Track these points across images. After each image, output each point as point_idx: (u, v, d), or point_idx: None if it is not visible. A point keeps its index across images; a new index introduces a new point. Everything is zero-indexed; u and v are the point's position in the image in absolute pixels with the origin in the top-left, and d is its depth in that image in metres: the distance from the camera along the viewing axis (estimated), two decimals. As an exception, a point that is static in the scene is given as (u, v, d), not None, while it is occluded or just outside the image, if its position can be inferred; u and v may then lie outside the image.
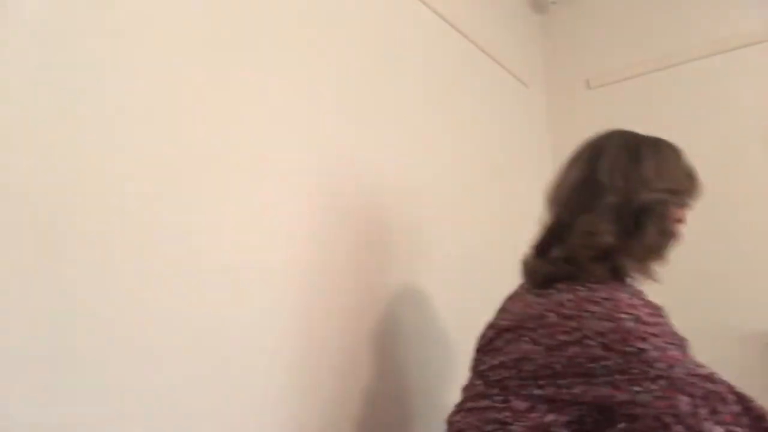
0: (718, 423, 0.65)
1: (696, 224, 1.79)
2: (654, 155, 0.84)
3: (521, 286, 0.91)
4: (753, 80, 1.87)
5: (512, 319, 0.82)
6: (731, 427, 0.65)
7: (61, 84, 0.74)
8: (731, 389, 0.68)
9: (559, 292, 0.77)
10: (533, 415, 0.75)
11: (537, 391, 0.75)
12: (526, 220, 1.94)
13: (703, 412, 0.65)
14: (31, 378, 0.66)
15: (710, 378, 0.68)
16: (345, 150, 1.20)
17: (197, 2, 0.93)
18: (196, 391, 0.83)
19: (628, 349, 0.68)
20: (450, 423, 0.86)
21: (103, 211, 0.76)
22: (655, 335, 0.69)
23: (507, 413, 0.76)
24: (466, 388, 0.88)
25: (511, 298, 0.91)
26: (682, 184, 0.85)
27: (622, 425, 0.71)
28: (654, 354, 0.67)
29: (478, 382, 0.84)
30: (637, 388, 0.68)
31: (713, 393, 0.66)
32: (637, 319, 0.70)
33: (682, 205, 0.85)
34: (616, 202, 0.80)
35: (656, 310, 0.73)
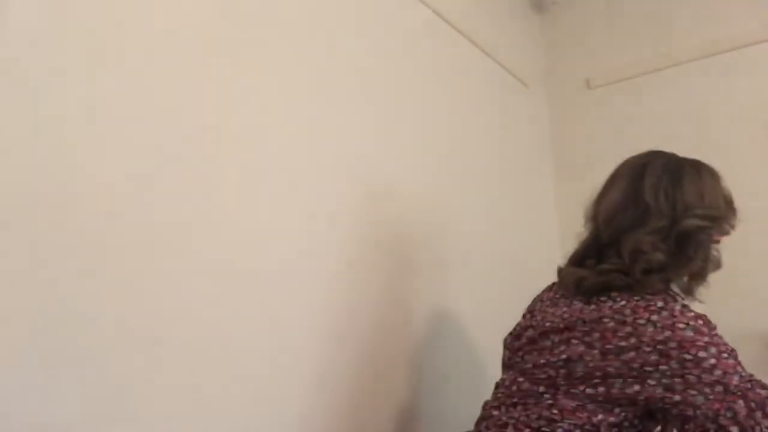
0: None
1: (696, 224, 1.79)
2: (696, 180, 0.87)
3: (555, 292, 0.94)
4: (753, 80, 1.87)
5: (559, 321, 0.85)
6: None
7: (59, 82, 0.74)
8: None
9: (614, 301, 0.81)
10: (582, 414, 0.78)
11: (589, 390, 0.78)
12: (526, 220, 1.95)
13: (759, 414, 0.69)
14: (31, 377, 0.66)
15: (763, 385, 0.73)
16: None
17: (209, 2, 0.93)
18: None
19: (685, 356, 0.72)
20: (488, 417, 0.89)
21: (103, 210, 0.76)
22: (711, 344, 0.73)
23: (555, 411, 0.79)
24: (505, 385, 0.90)
25: (550, 303, 0.93)
26: (722, 211, 0.89)
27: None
28: (711, 362, 0.72)
29: (522, 379, 0.87)
30: (693, 392, 0.72)
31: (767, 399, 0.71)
32: (694, 329, 0.74)
33: (723, 232, 0.89)
34: (662, 225, 0.84)
35: (708, 321, 0.77)
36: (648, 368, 0.74)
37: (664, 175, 0.87)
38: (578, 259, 0.91)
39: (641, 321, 0.76)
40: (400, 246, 1.31)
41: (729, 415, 0.70)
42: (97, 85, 0.78)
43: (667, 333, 0.74)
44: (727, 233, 0.90)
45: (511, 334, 0.99)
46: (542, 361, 0.84)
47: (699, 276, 0.87)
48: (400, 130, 1.38)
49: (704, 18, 1.99)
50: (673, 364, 0.73)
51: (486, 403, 0.94)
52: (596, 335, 0.79)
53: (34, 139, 0.70)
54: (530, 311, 0.97)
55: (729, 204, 0.90)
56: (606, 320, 0.79)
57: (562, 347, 0.82)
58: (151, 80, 0.85)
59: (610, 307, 0.80)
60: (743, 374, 0.73)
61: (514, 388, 0.87)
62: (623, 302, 0.79)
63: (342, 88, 1.21)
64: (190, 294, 0.85)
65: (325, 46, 1.19)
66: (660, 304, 0.77)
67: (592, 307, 0.82)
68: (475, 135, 1.73)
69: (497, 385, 0.94)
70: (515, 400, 0.85)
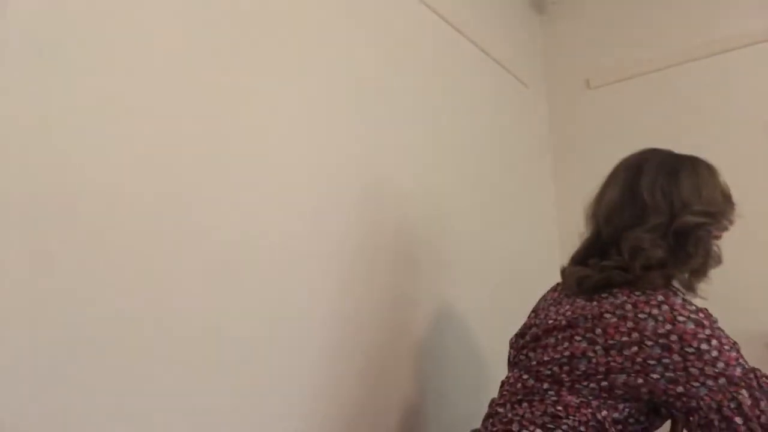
0: None
1: (696, 224, 1.79)
2: (692, 176, 0.88)
3: (559, 292, 0.95)
4: (753, 80, 1.87)
5: (562, 319, 0.86)
6: None
7: (59, 82, 0.74)
8: None
9: (615, 297, 0.82)
10: (586, 410, 0.78)
11: (592, 386, 0.79)
12: (526, 220, 1.95)
13: (763, 404, 0.70)
14: (32, 377, 0.66)
15: (766, 376, 0.74)
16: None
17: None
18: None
19: (688, 349, 0.73)
20: (494, 414, 0.90)
21: (104, 208, 0.76)
22: (712, 336, 0.74)
23: (559, 407, 0.80)
24: (510, 383, 0.91)
25: (553, 302, 0.94)
26: (720, 206, 0.89)
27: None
28: (713, 354, 0.73)
29: (526, 376, 0.87)
30: (696, 384, 0.73)
31: None
32: (695, 322, 0.75)
33: (722, 228, 0.90)
34: (660, 222, 0.85)
35: (709, 314, 0.78)
36: (651, 362, 0.75)
37: (660, 172, 0.88)
38: (580, 258, 0.92)
39: (642, 315, 0.77)
40: (401, 246, 1.31)
41: (733, 405, 0.70)
42: (98, 86, 0.78)
43: (669, 326, 0.75)
44: (726, 229, 0.91)
45: (516, 333, 0.99)
46: (546, 358, 0.85)
47: (700, 272, 0.87)
48: (400, 130, 1.38)
49: (704, 18, 1.99)
50: (676, 357, 0.73)
51: (492, 401, 0.95)
52: (598, 331, 0.79)
53: (34, 139, 0.70)
54: (535, 310, 0.99)
55: (727, 199, 0.90)
56: (608, 316, 0.80)
57: (566, 344, 0.83)
58: (152, 80, 0.85)
59: (611, 303, 0.81)
60: (746, 366, 0.73)
61: (519, 385, 0.88)
62: (624, 298, 0.80)
63: (341, 88, 1.21)
64: (193, 291, 0.85)
65: (325, 46, 1.19)
66: (660, 298, 0.78)
67: (594, 303, 0.83)
68: (475, 135, 1.73)
69: (503, 383, 0.95)
70: (520, 397, 0.86)
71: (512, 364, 0.96)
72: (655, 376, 0.75)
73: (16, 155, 0.68)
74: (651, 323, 0.76)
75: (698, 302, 0.83)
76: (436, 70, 1.59)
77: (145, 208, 0.81)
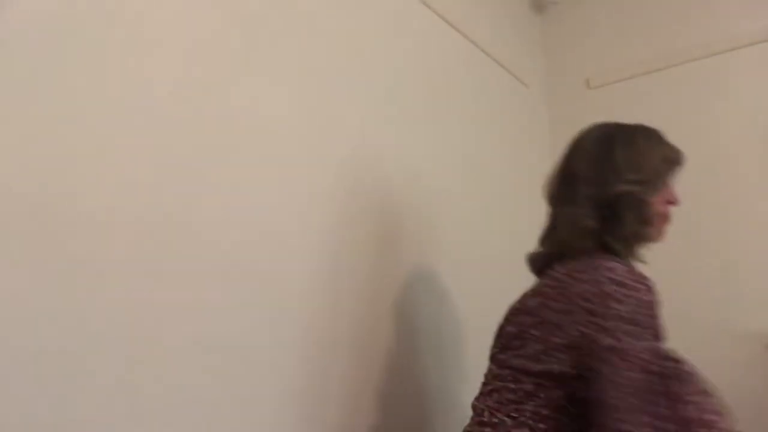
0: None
1: (695, 224, 1.80)
2: (627, 145, 0.88)
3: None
4: (753, 80, 1.87)
5: (518, 305, 0.89)
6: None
7: (62, 75, 0.74)
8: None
9: (555, 270, 0.84)
10: (542, 394, 0.79)
11: (539, 367, 0.79)
12: (526, 220, 1.94)
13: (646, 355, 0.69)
14: (31, 377, 0.66)
15: (669, 355, 0.72)
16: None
17: None
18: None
19: (610, 311, 0.73)
20: (473, 407, 0.91)
21: (104, 208, 0.76)
22: (630, 297, 0.73)
23: (521, 393, 0.81)
24: (484, 375, 0.93)
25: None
26: (656, 172, 0.88)
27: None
28: (624, 311, 0.72)
29: (493, 366, 0.90)
30: (601, 335, 0.72)
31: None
32: (619, 283, 0.74)
33: (657, 190, 0.88)
34: (590, 193, 0.86)
35: (643, 279, 0.77)
36: (582, 328, 0.75)
37: (594, 145, 0.90)
38: (540, 242, 0.95)
39: (570, 281, 0.79)
40: (398, 245, 1.31)
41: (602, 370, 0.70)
42: (99, 87, 0.78)
43: (593, 289, 0.75)
44: (665, 189, 0.88)
45: None
46: (503, 342, 0.88)
47: (638, 237, 0.87)
48: (399, 130, 1.38)
49: (703, 18, 1.99)
50: (596, 311, 0.73)
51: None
52: (540, 307, 0.81)
53: (33, 140, 0.70)
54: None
55: (669, 162, 0.89)
56: (547, 289, 0.82)
57: (517, 326, 0.85)
58: (151, 80, 0.85)
59: (551, 276, 0.84)
60: (645, 343, 0.71)
61: (490, 376, 0.90)
62: (561, 268, 0.83)
63: (341, 88, 1.21)
64: (189, 292, 0.85)
65: (324, 46, 1.19)
66: (589, 262, 0.79)
67: (538, 283, 0.87)
68: (474, 135, 1.73)
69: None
70: (490, 387, 0.88)
71: (489, 357, 0.97)
72: (573, 330, 0.75)
73: (16, 155, 0.68)
74: (578, 286, 0.77)
75: (648, 269, 0.82)
76: (436, 70, 1.59)
77: (145, 208, 0.81)
